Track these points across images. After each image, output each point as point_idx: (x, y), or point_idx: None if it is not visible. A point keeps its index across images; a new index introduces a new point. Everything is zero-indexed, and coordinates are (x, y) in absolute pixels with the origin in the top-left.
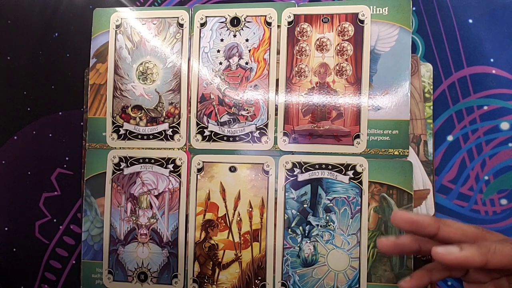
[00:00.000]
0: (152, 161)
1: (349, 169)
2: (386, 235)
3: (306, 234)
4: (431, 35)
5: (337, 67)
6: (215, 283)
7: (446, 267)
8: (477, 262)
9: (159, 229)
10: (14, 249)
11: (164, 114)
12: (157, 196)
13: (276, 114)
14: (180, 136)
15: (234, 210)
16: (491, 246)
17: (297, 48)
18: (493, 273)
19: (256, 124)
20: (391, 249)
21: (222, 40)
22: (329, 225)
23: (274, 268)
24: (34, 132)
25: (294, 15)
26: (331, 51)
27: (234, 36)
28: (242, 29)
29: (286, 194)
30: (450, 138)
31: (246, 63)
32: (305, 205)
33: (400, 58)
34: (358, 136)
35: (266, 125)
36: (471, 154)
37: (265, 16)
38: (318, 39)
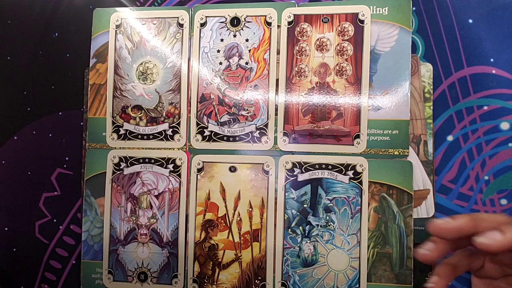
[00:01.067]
0: (152, 161)
1: (349, 169)
2: (386, 235)
3: (306, 234)
4: (431, 35)
5: (337, 67)
6: (215, 283)
7: (467, 259)
8: None
9: (159, 229)
10: (14, 249)
11: (164, 114)
12: (157, 196)
13: (276, 114)
14: (180, 136)
15: (234, 210)
16: None
17: (297, 48)
18: (508, 269)
19: (256, 124)
20: (435, 259)
21: (222, 40)
22: (329, 225)
23: (274, 268)
24: (34, 132)
25: (294, 15)
26: (331, 51)
27: (234, 36)
28: (242, 29)
29: (286, 194)
30: (450, 138)
31: (246, 63)
32: (305, 205)
33: (400, 58)
34: (358, 136)
35: (266, 125)
36: (471, 154)
37: (265, 16)
38: (318, 39)
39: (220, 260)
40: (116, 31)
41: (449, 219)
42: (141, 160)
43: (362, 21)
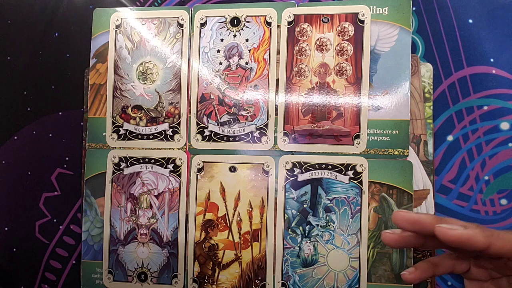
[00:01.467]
0: (152, 161)
1: (349, 169)
2: None
3: (306, 234)
4: (431, 35)
5: (337, 67)
6: (215, 283)
7: (451, 261)
8: (480, 243)
9: (159, 229)
10: (14, 249)
11: (164, 114)
12: (157, 196)
13: (276, 114)
14: (180, 136)
15: (234, 210)
16: (495, 231)
17: (297, 48)
18: (494, 272)
19: (256, 124)
20: (396, 242)
21: (222, 40)
22: (329, 225)
23: (274, 268)
24: (34, 132)
25: (294, 15)
26: (331, 51)
27: (234, 36)
28: (242, 29)
29: (286, 194)
30: (450, 138)
31: (246, 63)
32: (305, 205)
33: (400, 58)
34: (358, 136)
35: (266, 125)
36: (471, 154)
37: (265, 16)
38: (318, 39)
39: (220, 260)
40: (116, 31)
41: (412, 212)
42: (141, 160)
43: (362, 21)
